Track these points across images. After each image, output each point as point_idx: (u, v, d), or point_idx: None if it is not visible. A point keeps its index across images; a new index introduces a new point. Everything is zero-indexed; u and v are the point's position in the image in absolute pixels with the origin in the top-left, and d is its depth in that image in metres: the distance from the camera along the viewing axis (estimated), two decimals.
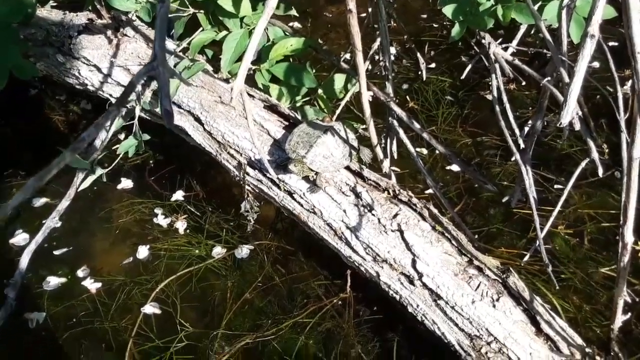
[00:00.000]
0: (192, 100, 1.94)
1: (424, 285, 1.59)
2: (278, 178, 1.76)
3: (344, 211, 1.69)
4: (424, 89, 2.63)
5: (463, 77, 2.59)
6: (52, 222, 1.85)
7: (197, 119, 1.93)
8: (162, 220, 2.11)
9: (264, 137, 1.83)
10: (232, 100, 1.13)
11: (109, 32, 2.09)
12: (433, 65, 2.78)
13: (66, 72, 2.16)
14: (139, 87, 1.98)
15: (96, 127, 0.94)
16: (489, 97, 2.31)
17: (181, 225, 2.09)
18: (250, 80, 2.03)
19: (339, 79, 2.10)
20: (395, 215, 1.65)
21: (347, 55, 2.51)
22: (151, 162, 2.35)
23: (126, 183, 2.24)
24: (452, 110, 2.52)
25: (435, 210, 1.67)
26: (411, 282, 1.61)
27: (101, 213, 2.15)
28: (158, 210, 2.14)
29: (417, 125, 1.76)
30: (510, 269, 1.55)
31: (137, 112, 1.92)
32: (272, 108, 1.89)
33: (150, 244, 2.03)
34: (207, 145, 1.92)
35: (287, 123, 1.86)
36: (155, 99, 1.97)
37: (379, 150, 1.75)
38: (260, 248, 2.01)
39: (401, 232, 1.63)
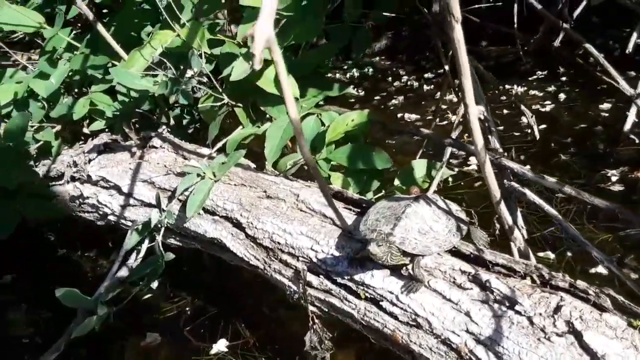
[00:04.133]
0: (229, 201, 1.46)
1: None
2: (353, 279, 1.16)
3: (467, 314, 1.04)
4: None
5: None
6: None
7: (237, 224, 1.42)
8: None
9: (327, 228, 1.28)
10: (253, 63, 0.64)
11: (134, 148, 1.74)
12: None
13: (84, 204, 1.78)
14: (164, 201, 1.54)
15: None
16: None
17: None
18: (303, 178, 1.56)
19: (420, 166, 1.60)
20: (558, 309, 0.98)
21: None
22: (188, 309, 1.78)
23: (152, 337, 1.66)
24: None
25: (620, 297, 0.99)
26: None
27: None
28: None
29: (550, 180, 1.18)
30: None
31: (159, 220, 1.44)
32: (336, 195, 1.37)
33: None
34: (252, 256, 1.38)
35: (358, 210, 1.31)
36: (184, 212, 1.50)
37: (505, 215, 1.14)
38: None
39: (576, 334, 0.94)
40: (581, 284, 1.02)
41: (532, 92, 3.34)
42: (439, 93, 3.50)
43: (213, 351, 1.57)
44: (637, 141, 2.32)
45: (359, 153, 1.50)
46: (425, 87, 3.80)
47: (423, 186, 1.58)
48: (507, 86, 3.40)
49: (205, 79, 1.64)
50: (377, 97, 3.48)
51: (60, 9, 1.90)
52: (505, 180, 1.30)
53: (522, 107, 1.86)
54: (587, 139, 2.60)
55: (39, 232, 2.33)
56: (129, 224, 1.68)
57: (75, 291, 1.32)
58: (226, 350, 1.57)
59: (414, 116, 3.23)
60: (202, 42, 1.52)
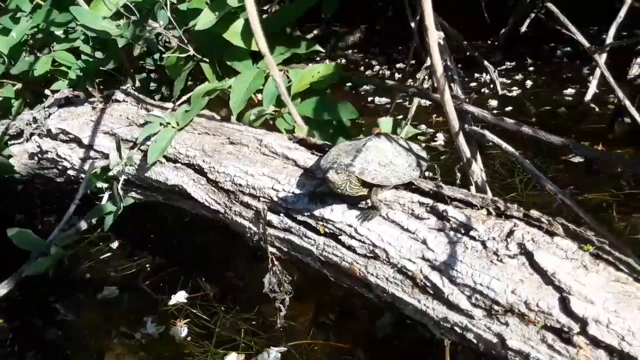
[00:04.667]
0: (191, 149, 1.44)
1: (594, 340, 0.87)
2: (313, 215, 1.16)
3: (424, 242, 1.05)
4: None
5: None
6: None
7: (199, 170, 1.40)
8: (152, 328, 1.44)
9: (289, 169, 1.28)
10: None
11: (96, 102, 1.71)
12: None
13: (43, 160, 1.74)
14: (125, 151, 1.51)
15: None
16: None
17: (180, 331, 1.41)
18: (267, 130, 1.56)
19: (386, 124, 1.61)
20: (511, 233, 1.00)
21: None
22: (148, 266, 1.75)
23: (109, 290, 1.62)
24: None
25: (572, 226, 1.01)
26: (567, 340, 0.89)
27: (67, 329, 1.51)
28: (148, 318, 1.48)
29: (509, 121, 1.20)
30: None
31: (119, 167, 1.41)
32: (301, 142, 1.36)
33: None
34: (212, 201, 1.36)
35: (320, 154, 1.31)
36: (145, 161, 1.48)
37: (463, 147, 1.16)
38: (298, 351, 1.30)
39: (528, 254, 0.96)
40: (535, 213, 1.03)
41: (500, 79, 3.40)
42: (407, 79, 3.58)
43: (172, 302, 1.54)
44: (596, 110, 2.39)
45: (324, 105, 1.49)
46: (397, 75, 3.85)
47: None
48: (475, 74, 3.47)
49: (170, 34, 1.62)
50: (348, 84, 3.49)
51: None
52: (466, 125, 1.32)
53: (485, 62, 1.88)
54: (552, 119, 2.66)
55: None
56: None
57: (27, 231, 1.28)
58: (185, 301, 1.55)
59: (384, 99, 3.26)
60: None
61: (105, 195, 1.50)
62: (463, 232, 1.03)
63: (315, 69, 1.54)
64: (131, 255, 1.78)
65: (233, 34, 1.58)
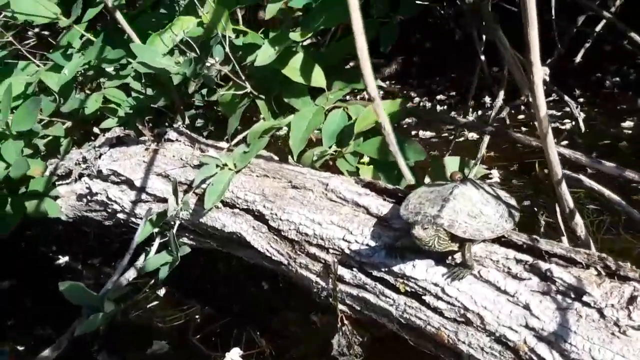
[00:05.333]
0: (250, 193, 1.35)
1: None
2: (391, 271, 1.05)
3: (526, 307, 0.92)
4: None
5: None
6: None
7: (259, 216, 1.31)
8: None
9: (360, 217, 1.17)
10: None
11: (148, 142, 1.64)
12: None
13: (92, 202, 1.67)
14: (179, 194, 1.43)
15: None
16: None
17: None
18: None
19: (452, 163, 1.50)
20: (633, 299, 0.86)
21: None
22: (197, 317, 1.65)
23: (158, 345, 1.52)
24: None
25: None
26: None
27: None
28: None
29: (608, 165, 1.07)
30: None
31: (175, 212, 1.33)
32: (368, 185, 1.26)
33: None
34: (274, 251, 1.26)
35: (393, 200, 1.20)
36: (200, 206, 1.39)
37: (566, 196, 1.03)
38: None
39: None
40: None
41: (550, 111, 3.26)
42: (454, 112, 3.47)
43: None
44: None
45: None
46: (438, 107, 3.74)
47: None
48: (522, 107, 3.34)
49: (226, 69, 1.55)
50: None
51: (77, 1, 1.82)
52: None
53: (565, 97, 1.76)
54: (612, 153, 2.51)
55: (39, 238, 2.21)
56: (140, 222, 1.56)
57: (80, 285, 1.20)
58: (240, 359, 1.43)
59: (428, 133, 3.14)
60: (226, 26, 1.44)
61: (156, 243, 1.41)
62: (574, 296, 0.90)
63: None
64: (179, 304, 1.68)
65: (292, 70, 1.51)
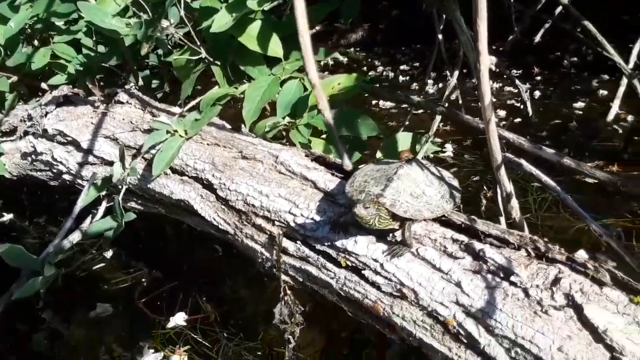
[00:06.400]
0: (200, 161, 1.34)
1: None
2: (334, 245, 1.07)
3: (458, 284, 0.96)
4: None
5: None
6: None
7: (208, 185, 1.31)
8: (149, 357, 1.34)
9: (308, 191, 1.18)
10: None
11: (97, 102, 1.59)
12: None
13: (36, 162, 1.62)
14: (128, 159, 1.41)
15: None
16: None
17: None
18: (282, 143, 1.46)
19: (404, 139, 1.52)
20: (557, 281, 0.91)
21: None
22: (144, 281, 1.64)
23: (102, 308, 1.52)
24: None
25: (619, 273, 0.93)
26: None
27: (57, 351, 1.40)
28: (145, 343, 1.38)
29: (548, 151, 1.11)
30: None
31: (121, 177, 1.31)
32: (318, 159, 1.27)
33: None
34: (221, 220, 1.27)
35: (341, 175, 1.22)
36: (149, 171, 1.37)
37: (504, 180, 1.07)
38: None
39: (577, 307, 0.88)
40: (579, 256, 0.96)
41: (507, 88, 3.32)
42: (415, 84, 3.49)
43: (170, 325, 1.43)
44: (620, 131, 2.32)
45: (343, 119, 1.40)
46: (401, 78, 3.75)
47: None
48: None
49: (181, 33, 1.51)
50: None
51: None
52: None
53: (517, 82, 1.80)
54: (562, 134, 2.59)
55: None
56: (86, 184, 1.53)
57: (19, 248, 1.18)
58: (184, 324, 1.44)
59: (388, 104, 3.16)
60: None
61: (102, 206, 1.39)
62: (502, 276, 0.95)
63: (336, 79, 1.45)
64: (126, 267, 1.67)
65: (249, 38, 1.48)
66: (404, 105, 2.92)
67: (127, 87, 1.66)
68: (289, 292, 1.19)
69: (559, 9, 2.17)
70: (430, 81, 3.40)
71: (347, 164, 0.68)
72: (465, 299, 0.95)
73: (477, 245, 0.99)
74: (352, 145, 1.47)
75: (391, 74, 3.89)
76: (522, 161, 1.15)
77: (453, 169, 2.26)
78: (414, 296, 0.99)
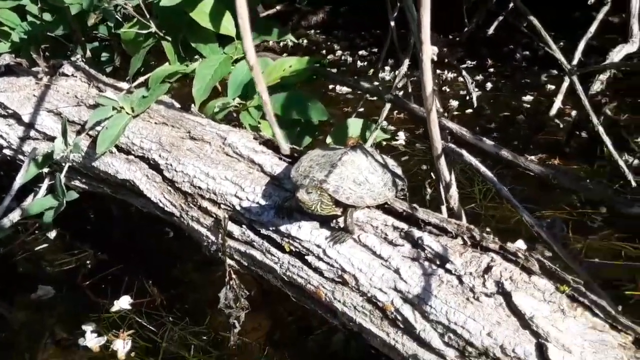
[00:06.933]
0: (147, 140, 1.31)
1: None
2: (278, 230, 1.08)
3: (397, 271, 0.99)
4: None
5: None
6: None
7: (154, 165, 1.28)
8: (91, 340, 1.32)
9: (254, 175, 1.18)
10: None
11: (41, 74, 1.53)
12: None
13: None
14: (72, 135, 1.37)
15: None
16: None
17: (122, 345, 1.30)
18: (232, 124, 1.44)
19: (354, 125, 1.54)
20: (488, 269, 0.95)
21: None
22: (89, 263, 1.61)
23: (44, 290, 1.48)
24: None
25: (547, 262, 0.98)
26: None
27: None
28: (88, 327, 1.36)
29: (488, 142, 1.15)
30: None
31: (64, 154, 1.27)
32: (266, 143, 1.27)
33: None
34: (167, 202, 1.25)
35: (289, 160, 1.22)
36: (93, 149, 1.34)
37: (443, 169, 1.10)
38: None
39: (506, 294, 0.92)
40: (511, 246, 1.00)
41: (460, 79, 3.39)
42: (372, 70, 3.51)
43: (114, 308, 1.42)
44: (562, 125, 2.41)
45: (294, 102, 1.40)
46: (359, 63, 3.77)
47: None
48: (437, 71, 3.44)
49: (131, 5, 1.46)
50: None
51: None
52: (442, 141, 1.26)
53: (464, 72, 1.84)
54: (510, 126, 2.67)
55: None
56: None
57: None
58: (129, 308, 1.43)
59: (345, 89, 3.17)
60: None
61: (45, 184, 1.35)
62: (438, 263, 0.98)
63: (287, 62, 1.44)
64: (70, 248, 1.63)
65: (200, 14, 1.45)
66: (360, 92, 2.95)
67: (73, 59, 1.60)
68: (234, 276, 1.19)
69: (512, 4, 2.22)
70: (387, 68, 3.43)
71: (284, 148, 0.68)
72: (403, 285, 0.98)
73: (417, 233, 1.02)
74: (303, 129, 1.47)
75: (350, 59, 3.90)
76: (463, 151, 1.18)
77: (404, 157, 2.31)
78: (355, 282, 1.01)
